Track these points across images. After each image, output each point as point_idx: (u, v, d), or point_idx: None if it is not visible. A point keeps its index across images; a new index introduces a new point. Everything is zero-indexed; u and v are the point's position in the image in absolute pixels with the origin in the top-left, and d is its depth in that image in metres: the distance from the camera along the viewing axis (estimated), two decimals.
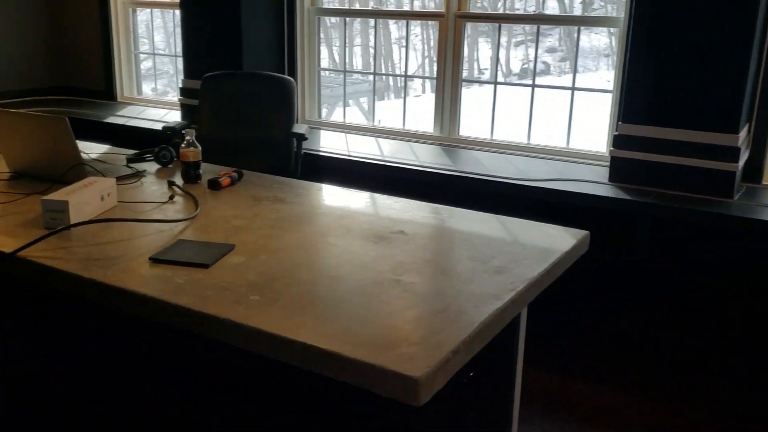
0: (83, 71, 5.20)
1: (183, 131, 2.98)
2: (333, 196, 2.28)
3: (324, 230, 1.91)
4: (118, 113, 4.66)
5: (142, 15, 5.11)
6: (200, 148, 2.32)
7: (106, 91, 5.13)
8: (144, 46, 5.15)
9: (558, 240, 1.85)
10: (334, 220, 2.00)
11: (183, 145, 2.30)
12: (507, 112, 4.33)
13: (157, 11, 5.04)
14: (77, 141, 2.89)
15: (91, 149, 2.78)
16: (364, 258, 1.69)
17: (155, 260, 1.62)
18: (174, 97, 4.91)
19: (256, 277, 1.56)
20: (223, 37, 4.10)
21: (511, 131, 4.19)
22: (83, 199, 1.87)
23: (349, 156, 3.67)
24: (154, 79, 5.19)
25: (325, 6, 4.39)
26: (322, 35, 4.41)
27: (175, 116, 4.55)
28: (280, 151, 3.33)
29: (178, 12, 4.38)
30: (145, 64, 5.22)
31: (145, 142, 3.62)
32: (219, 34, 4.11)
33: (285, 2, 4.24)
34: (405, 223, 1.97)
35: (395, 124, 4.38)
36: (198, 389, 1.65)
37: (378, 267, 1.64)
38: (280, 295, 1.47)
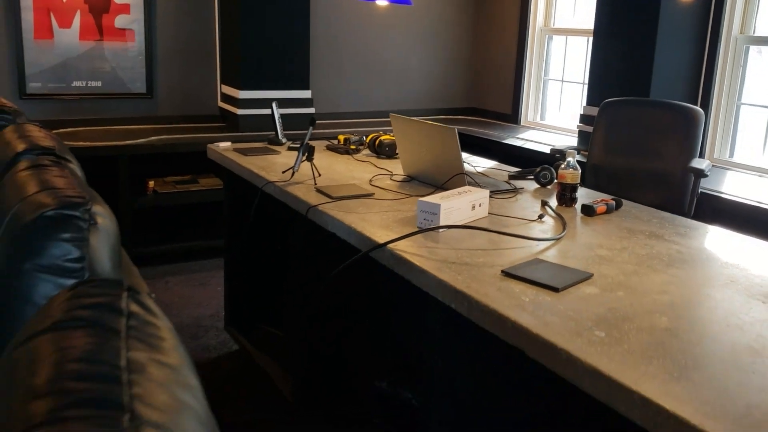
0: (494, 95, 5.51)
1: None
2: (723, 241, 1.97)
3: (700, 278, 1.64)
4: (518, 136, 4.81)
5: (555, 42, 5.19)
6: (579, 170, 2.22)
7: (512, 115, 5.35)
8: (553, 73, 5.23)
9: None
10: (717, 269, 1.70)
11: (562, 166, 2.23)
12: None
13: (571, 38, 5.06)
14: (470, 155, 3.06)
15: (479, 163, 2.89)
16: (743, 317, 1.40)
17: (507, 274, 1.58)
18: (571, 123, 4.87)
19: (606, 313, 1.40)
20: (632, 64, 3.91)
21: None
22: (454, 205, 1.93)
23: (759, 203, 3.15)
24: (558, 105, 5.22)
25: (758, 35, 3.87)
26: (750, 65, 3.90)
27: (571, 142, 4.52)
28: (673, 186, 3.03)
29: (587, 39, 4.34)
30: (552, 91, 5.29)
31: (533, 163, 3.66)
32: (629, 61, 3.93)
33: (709, 29, 3.86)
34: None
35: None
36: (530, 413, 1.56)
37: (760, 331, 1.33)
38: (628, 338, 1.29)
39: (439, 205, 1.88)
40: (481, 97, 5.63)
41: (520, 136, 4.81)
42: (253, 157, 2.80)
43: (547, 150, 4.32)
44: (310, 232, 2.25)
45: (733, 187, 3.44)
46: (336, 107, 5.12)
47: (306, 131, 2.49)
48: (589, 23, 4.75)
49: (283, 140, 3.10)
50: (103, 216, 1.30)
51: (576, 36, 4.99)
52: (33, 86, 4.19)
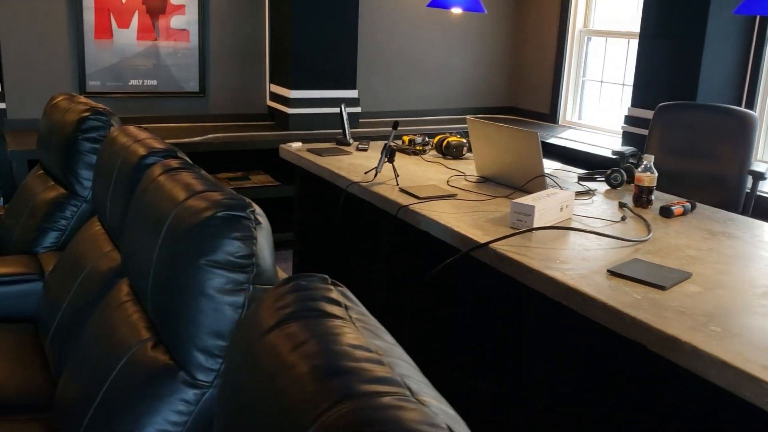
0: (532, 94, 5.61)
1: (632, 156, 3.03)
2: None
3: None
4: (559, 135, 4.91)
5: (594, 43, 5.29)
6: (656, 174, 2.32)
7: (550, 114, 5.45)
8: (590, 74, 5.33)
9: None
10: None
11: (639, 170, 2.33)
12: None
13: (611, 40, 5.16)
14: None
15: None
16: None
17: (613, 273, 1.69)
18: (609, 123, 4.98)
19: (715, 309, 1.52)
20: (680, 66, 4.00)
21: None
22: (546, 207, 2.05)
23: None
24: (597, 105, 5.32)
25: None
26: None
27: (612, 142, 4.62)
28: (728, 188, 3.13)
29: (628, 41, 4.43)
30: (588, 91, 5.39)
31: (575, 162, 3.77)
32: (676, 63, 4.03)
33: (755, 32, 3.96)
34: None
35: None
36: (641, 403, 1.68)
37: None
38: (742, 332, 1.40)
39: (534, 206, 1.99)
40: (519, 96, 5.73)
41: (560, 135, 4.91)
42: (328, 157, 2.92)
43: (589, 149, 4.43)
44: (395, 231, 2.37)
45: None
46: (376, 106, 5.23)
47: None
48: (629, 25, 4.84)
49: (351, 140, 3.21)
50: (262, 216, 1.42)
51: (615, 38, 5.08)
52: (92, 85, 4.32)
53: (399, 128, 2.60)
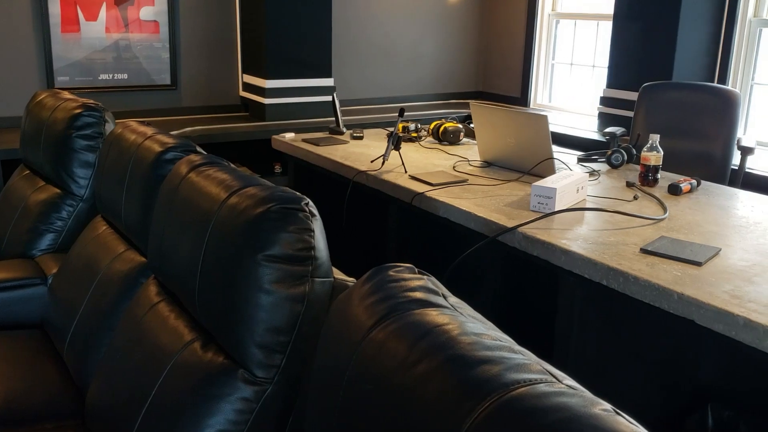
0: (503, 78, 5.65)
1: (623, 136, 3.08)
2: None
3: None
4: None
5: (563, 26, 5.35)
6: (662, 153, 2.37)
7: (521, 98, 5.50)
8: (560, 56, 5.39)
9: None
10: None
11: (645, 149, 2.37)
12: None
13: (580, 22, 5.23)
14: None
15: None
16: None
17: (646, 251, 1.72)
18: (580, 105, 5.06)
19: (755, 280, 1.55)
20: (655, 47, 4.09)
21: None
22: (565, 189, 2.06)
23: None
24: (566, 88, 5.39)
25: None
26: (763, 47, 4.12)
27: (585, 123, 4.70)
28: (716, 164, 3.22)
29: (597, 23, 4.50)
30: (558, 74, 5.46)
31: (557, 146, 3.82)
32: (651, 43, 4.11)
33: (725, 12, 4.06)
34: None
35: None
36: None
37: None
38: None
39: (555, 189, 2.01)
40: (490, 80, 5.76)
41: None
42: (325, 147, 2.88)
43: (563, 131, 4.49)
44: (404, 220, 2.36)
45: (751, 162, 3.64)
46: (348, 94, 5.18)
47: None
48: (597, 8, 4.92)
49: (344, 129, 3.18)
50: (314, 207, 1.39)
51: (585, 20, 5.15)
52: (61, 80, 4.16)
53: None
